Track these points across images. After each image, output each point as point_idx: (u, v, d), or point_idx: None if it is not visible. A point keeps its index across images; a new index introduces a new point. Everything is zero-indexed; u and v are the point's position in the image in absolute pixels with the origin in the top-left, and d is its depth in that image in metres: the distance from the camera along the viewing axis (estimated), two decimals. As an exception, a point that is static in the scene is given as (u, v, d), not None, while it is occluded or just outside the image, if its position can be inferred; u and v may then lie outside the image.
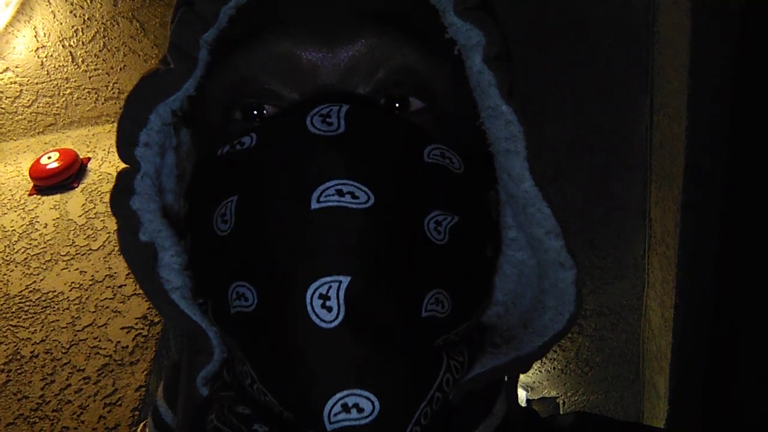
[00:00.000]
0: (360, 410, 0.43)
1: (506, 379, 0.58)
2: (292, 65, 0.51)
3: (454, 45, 0.53)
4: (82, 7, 1.80)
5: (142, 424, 0.62)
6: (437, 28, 0.53)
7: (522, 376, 2.31)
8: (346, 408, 0.43)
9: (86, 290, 1.54)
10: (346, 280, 0.44)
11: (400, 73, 0.52)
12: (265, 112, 0.53)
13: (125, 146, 0.53)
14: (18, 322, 1.50)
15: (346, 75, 0.52)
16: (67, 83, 1.92)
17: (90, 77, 1.90)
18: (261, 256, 0.47)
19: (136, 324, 1.45)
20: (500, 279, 0.59)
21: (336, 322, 0.43)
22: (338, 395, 0.43)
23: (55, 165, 1.77)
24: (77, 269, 1.59)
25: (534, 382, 2.27)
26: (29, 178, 1.80)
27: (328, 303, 0.44)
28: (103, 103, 1.93)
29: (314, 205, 0.45)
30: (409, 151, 0.50)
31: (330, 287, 0.44)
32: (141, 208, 0.53)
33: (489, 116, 0.53)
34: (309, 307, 0.44)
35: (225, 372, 0.55)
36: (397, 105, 0.53)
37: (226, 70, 0.53)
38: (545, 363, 2.22)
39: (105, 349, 1.43)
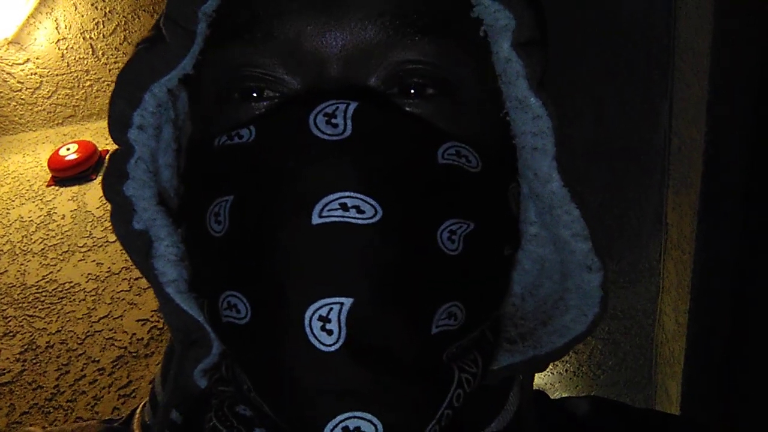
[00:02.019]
0: None
1: (521, 376, 0.56)
2: (296, 55, 0.47)
3: (480, 25, 0.49)
4: (104, 0, 1.81)
5: (140, 407, 0.60)
6: (462, 4, 0.48)
7: (535, 379, 2.31)
8: (346, 431, 0.41)
9: (103, 282, 1.55)
10: (348, 302, 0.41)
11: (414, 63, 0.47)
12: (264, 95, 0.49)
13: (118, 128, 0.50)
14: (34, 312, 1.52)
15: (354, 65, 0.47)
16: (87, 75, 1.93)
17: (110, 70, 1.91)
18: (256, 269, 0.43)
19: (152, 316, 1.46)
20: (519, 273, 0.56)
21: (336, 346, 0.41)
22: (339, 417, 0.41)
23: (73, 156, 1.78)
24: (94, 261, 1.60)
25: (546, 384, 2.26)
26: (48, 169, 1.82)
27: (328, 326, 0.41)
28: (122, 96, 1.94)
29: (315, 221, 0.41)
30: (421, 153, 0.46)
31: (331, 309, 0.41)
32: (135, 195, 0.50)
33: (515, 108, 0.49)
34: (308, 329, 0.41)
35: (224, 368, 0.52)
36: (412, 92, 0.48)
37: (225, 51, 0.49)
38: (557, 365, 2.21)
39: (120, 340, 1.44)
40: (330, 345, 0.41)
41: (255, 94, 0.49)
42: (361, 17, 0.46)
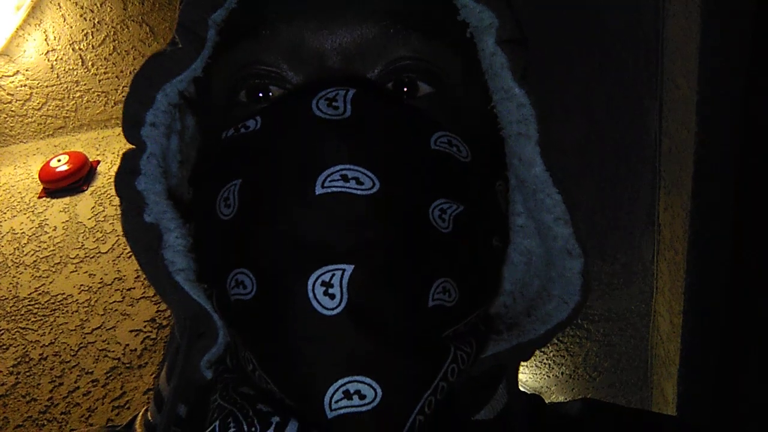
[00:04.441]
0: (362, 397, 0.42)
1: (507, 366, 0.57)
2: (299, 51, 0.51)
3: (467, 27, 0.53)
4: (92, 11, 1.81)
5: (144, 408, 0.62)
6: (449, 9, 0.52)
7: (530, 381, 2.31)
8: (347, 395, 0.42)
9: (95, 293, 1.54)
10: (349, 268, 0.43)
11: (408, 59, 0.51)
12: (270, 94, 0.52)
13: (131, 126, 0.52)
14: (27, 324, 1.51)
15: (352, 61, 0.51)
16: (77, 86, 1.93)
17: (100, 81, 1.91)
18: (263, 241, 0.46)
19: (145, 327, 1.46)
20: (508, 268, 0.58)
21: (338, 310, 0.43)
22: (340, 381, 0.42)
23: (64, 168, 1.78)
24: (86, 272, 1.59)
25: (542, 387, 2.26)
26: (39, 181, 1.81)
27: (330, 290, 0.43)
28: (112, 107, 1.94)
29: (319, 191, 0.44)
30: (415, 138, 0.49)
31: (333, 275, 0.43)
32: (146, 189, 0.52)
33: (501, 99, 0.53)
34: (311, 294, 0.43)
35: (228, 358, 0.54)
36: (405, 89, 0.52)
37: (233, 52, 0.53)
38: (553, 368, 2.21)
39: (113, 352, 1.43)
40: (332, 309, 0.43)
41: (261, 94, 0.52)
42: (358, 16, 0.50)
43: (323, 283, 0.43)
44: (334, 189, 0.44)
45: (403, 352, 0.44)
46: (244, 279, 0.46)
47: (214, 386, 0.53)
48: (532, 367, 2.21)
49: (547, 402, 0.64)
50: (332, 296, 0.43)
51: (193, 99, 0.55)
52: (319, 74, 0.51)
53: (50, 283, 1.58)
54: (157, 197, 0.53)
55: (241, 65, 0.52)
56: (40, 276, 1.60)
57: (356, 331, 0.43)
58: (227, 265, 0.48)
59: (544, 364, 2.20)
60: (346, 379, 0.42)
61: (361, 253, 0.44)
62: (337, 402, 0.42)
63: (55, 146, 1.97)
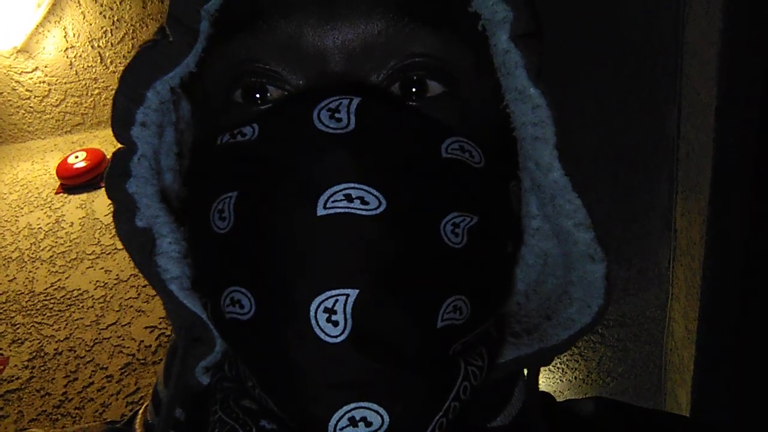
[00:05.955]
0: (368, 424, 0.41)
1: (526, 370, 0.55)
2: (299, 49, 0.47)
3: (478, 19, 0.49)
4: (112, 9, 1.82)
5: (143, 407, 0.61)
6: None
7: (543, 385, 2.30)
8: (353, 422, 0.41)
9: (111, 289, 1.55)
10: (353, 293, 0.41)
11: (417, 56, 0.47)
12: (268, 95, 0.49)
13: (120, 125, 0.50)
14: (42, 319, 1.52)
15: (356, 62, 0.47)
16: (95, 83, 1.94)
17: (118, 78, 1.92)
18: (261, 262, 0.43)
19: (160, 323, 1.46)
20: (522, 270, 0.56)
21: (342, 337, 0.41)
22: (345, 408, 0.41)
23: (82, 164, 1.79)
24: (102, 268, 1.60)
25: (555, 392, 2.25)
26: (56, 177, 1.83)
27: (333, 317, 0.41)
28: (130, 104, 1.95)
29: (320, 212, 0.41)
30: (425, 147, 0.46)
31: (336, 301, 0.41)
32: (138, 192, 0.50)
33: (515, 99, 0.49)
34: (313, 321, 0.41)
35: (227, 367, 0.53)
36: (413, 90, 0.48)
37: (228, 48, 0.49)
38: (566, 372, 2.20)
39: (128, 347, 1.44)
40: (336, 336, 0.41)
41: (258, 95, 0.49)
42: (362, 9, 0.46)
43: (326, 310, 0.41)
44: (337, 210, 0.41)
45: (410, 376, 0.42)
46: (241, 298, 0.44)
47: (214, 395, 0.52)
48: (545, 371, 2.20)
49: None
50: (336, 323, 0.41)
51: (187, 86, 0.52)
52: (320, 77, 0.47)
53: (66, 278, 1.59)
54: (148, 200, 0.51)
55: (237, 62, 0.49)
56: (56, 271, 1.61)
57: (361, 359, 0.41)
58: (222, 280, 0.46)
59: (557, 368, 2.20)
60: (352, 406, 0.41)
61: (365, 277, 0.41)
62: (342, 430, 0.41)
63: (72, 143, 1.99)
